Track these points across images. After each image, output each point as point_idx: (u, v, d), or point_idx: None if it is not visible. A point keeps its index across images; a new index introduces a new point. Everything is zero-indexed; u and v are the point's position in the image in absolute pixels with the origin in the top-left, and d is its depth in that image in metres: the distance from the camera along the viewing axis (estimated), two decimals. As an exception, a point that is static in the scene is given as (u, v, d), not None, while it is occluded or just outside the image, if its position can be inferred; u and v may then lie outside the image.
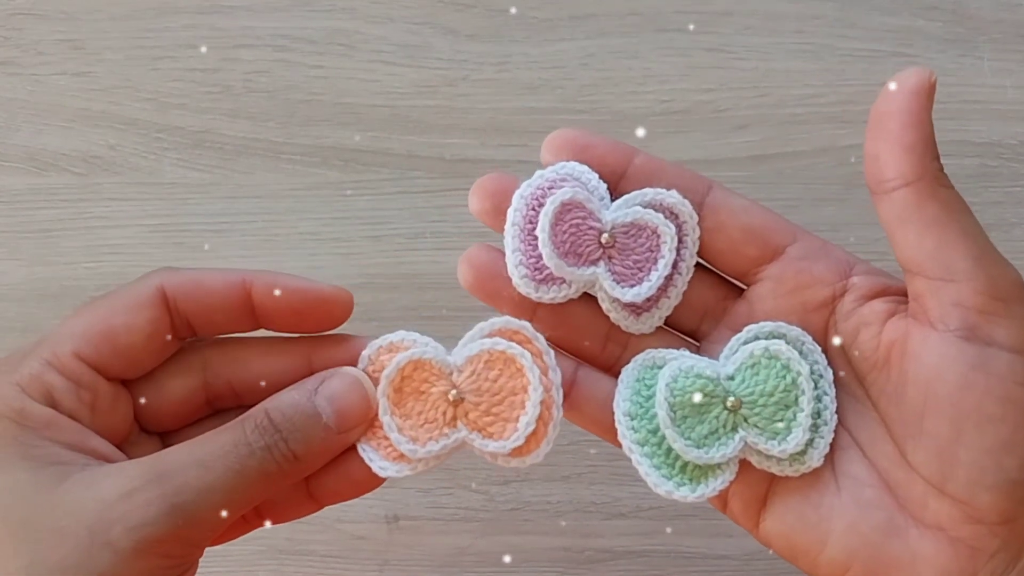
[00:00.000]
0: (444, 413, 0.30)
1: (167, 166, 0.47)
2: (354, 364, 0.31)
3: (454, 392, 0.30)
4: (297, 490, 0.31)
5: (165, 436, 0.32)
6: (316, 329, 0.31)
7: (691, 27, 0.48)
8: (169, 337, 0.30)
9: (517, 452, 0.30)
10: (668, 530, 0.44)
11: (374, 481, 0.31)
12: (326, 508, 0.32)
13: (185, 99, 0.48)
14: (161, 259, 0.46)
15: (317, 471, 0.30)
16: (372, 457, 0.30)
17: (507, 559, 0.45)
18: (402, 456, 0.30)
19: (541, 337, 0.31)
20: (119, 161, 0.47)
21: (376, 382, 0.31)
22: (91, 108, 0.48)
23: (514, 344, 0.31)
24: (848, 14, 0.48)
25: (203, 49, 0.48)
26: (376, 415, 0.30)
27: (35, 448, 0.27)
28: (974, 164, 0.46)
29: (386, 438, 0.30)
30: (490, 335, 0.31)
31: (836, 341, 0.31)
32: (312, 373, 0.31)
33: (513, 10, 0.48)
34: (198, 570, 0.30)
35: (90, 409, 0.29)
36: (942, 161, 0.29)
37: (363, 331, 0.32)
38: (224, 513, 0.27)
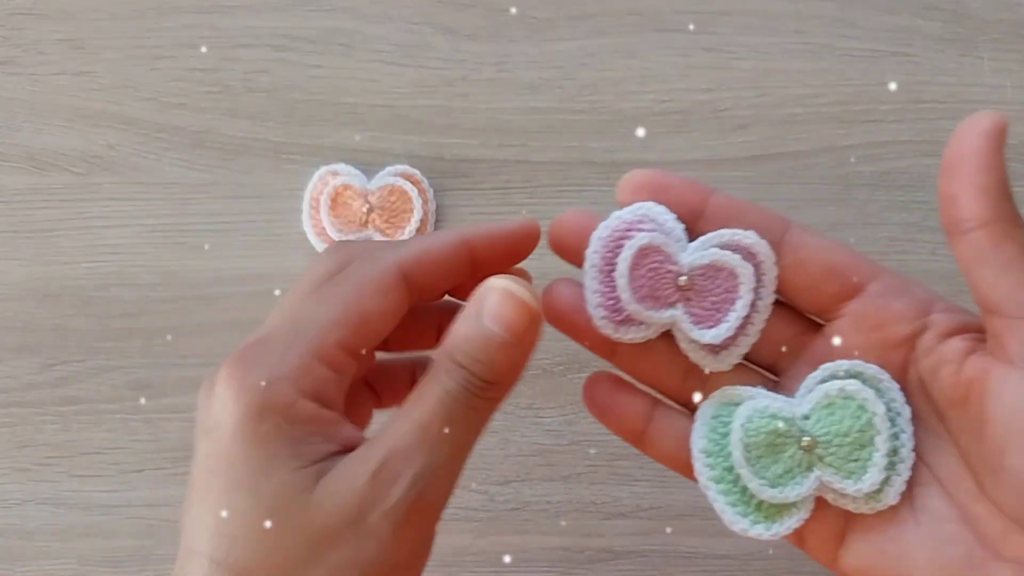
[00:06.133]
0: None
1: (167, 166, 0.47)
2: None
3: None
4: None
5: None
6: (520, 259, 0.33)
7: (691, 27, 0.48)
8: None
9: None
10: (668, 530, 0.44)
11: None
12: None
13: (185, 99, 0.48)
14: (161, 259, 0.46)
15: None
16: None
17: (507, 559, 0.45)
18: None
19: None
20: (119, 161, 0.47)
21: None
22: (91, 108, 0.48)
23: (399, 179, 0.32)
24: (848, 14, 0.48)
25: (203, 49, 0.48)
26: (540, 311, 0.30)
27: (301, 445, 0.27)
28: (974, 164, 0.46)
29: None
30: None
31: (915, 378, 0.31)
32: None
33: (513, 10, 0.48)
34: None
35: (345, 397, 0.30)
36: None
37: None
38: (458, 463, 0.28)
